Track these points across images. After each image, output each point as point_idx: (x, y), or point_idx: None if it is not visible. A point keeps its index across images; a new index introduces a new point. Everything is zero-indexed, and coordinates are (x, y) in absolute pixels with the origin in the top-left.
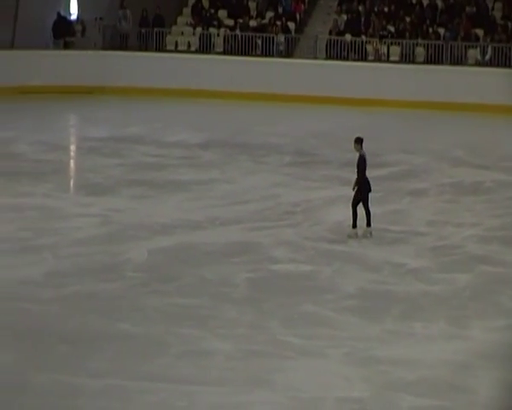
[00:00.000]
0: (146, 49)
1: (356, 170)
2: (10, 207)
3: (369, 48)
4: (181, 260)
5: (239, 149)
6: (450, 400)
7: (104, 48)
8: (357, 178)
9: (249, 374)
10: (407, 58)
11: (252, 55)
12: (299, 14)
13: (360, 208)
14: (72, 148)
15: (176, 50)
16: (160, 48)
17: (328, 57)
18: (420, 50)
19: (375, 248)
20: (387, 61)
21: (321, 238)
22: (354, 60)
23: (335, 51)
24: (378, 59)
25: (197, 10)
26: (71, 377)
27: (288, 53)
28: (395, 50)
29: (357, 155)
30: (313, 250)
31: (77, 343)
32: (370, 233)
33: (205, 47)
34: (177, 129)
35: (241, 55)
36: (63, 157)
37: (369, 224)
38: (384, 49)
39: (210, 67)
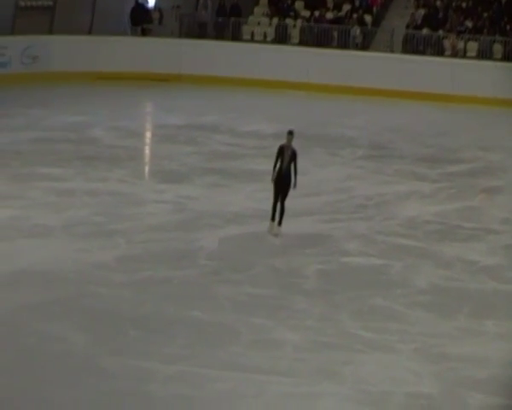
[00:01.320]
0: (222, 39)
1: (289, 163)
2: (85, 191)
3: (447, 43)
4: (253, 250)
5: (313, 141)
6: None
7: (181, 36)
8: (295, 174)
9: (318, 366)
10: (484, 54)
11: (328, 47)
12: (376, 8)
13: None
14: (148, 135)
15: (252, 40)
16: (237, 37)
17: (405, 51)
18: (497, 47)
19: (447, 244)
20: (464, 56)
21: (393, 233)
22: (431, 55)
23: (412, 45)
24: (455, 54)
25: (274, 1)
26: (142, 362)
27: (365, 46)
28: (472, 46)
29: (287, 147)
30: (385, 244)
31: (149, 329)
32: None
33: (281, 38)
34: (252, 119)
35: (317, 46)
36: (138, 144)
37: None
38: (461, 44)
39: (286, 58)
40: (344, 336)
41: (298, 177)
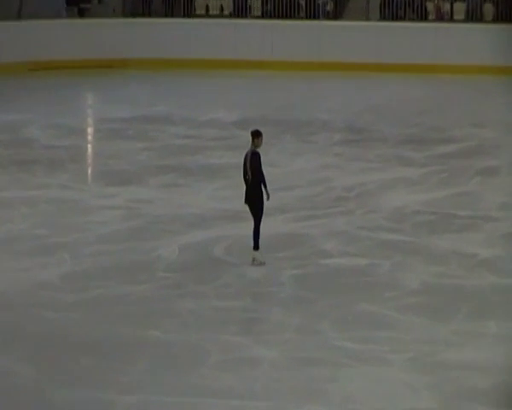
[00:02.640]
0: (172, 15)
1: (249, 172)
2: (23, 201)
3: (430, 6)
4: (218, 257)
5: (282, 128)
6: None
7: (125, 15)
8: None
9: (299, 385)
10: (474, 16)
11: (294, 19)
12: None
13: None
14: (91, 131)
15: (207, 15)
16: (189, 13)
17: (382, 18)
18: (488, 7)
19: (440, 236)
20: (451, 20)
21: (378, 227)
22: (412, 20)
23: (390, 11)
24: (440, 18)
25: None
26: (97, 393)
27: (336, 15)
28: (460, 7)
29: (253, 151)
30: (369, 241)
31: (103, 355)
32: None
33: (240, 11)
34: (210, 106)
35: (282, 18)
36: (81, 142)
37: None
38: (447, 6)
39: (246, 33)
40: (327, 349)
41: (271, 170)
